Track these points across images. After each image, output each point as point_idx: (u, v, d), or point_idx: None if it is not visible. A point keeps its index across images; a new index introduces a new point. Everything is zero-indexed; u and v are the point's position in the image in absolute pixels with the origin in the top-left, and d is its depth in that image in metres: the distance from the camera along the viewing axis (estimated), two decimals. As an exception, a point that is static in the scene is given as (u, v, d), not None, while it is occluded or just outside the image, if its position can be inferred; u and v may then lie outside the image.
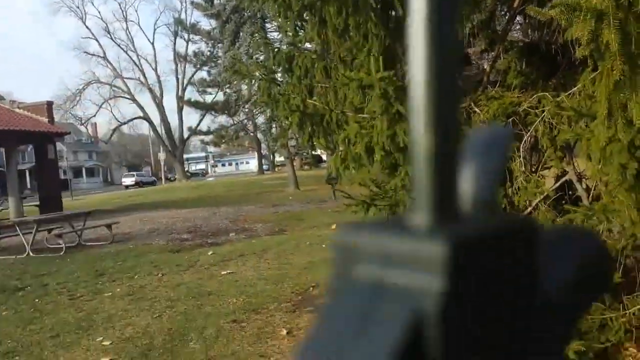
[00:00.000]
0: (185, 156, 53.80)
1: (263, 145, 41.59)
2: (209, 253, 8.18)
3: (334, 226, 9.49)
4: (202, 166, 71.03)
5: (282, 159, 40.92)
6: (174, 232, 11.10)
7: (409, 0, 0.18)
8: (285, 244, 8.39)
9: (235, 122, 36.68)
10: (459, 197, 0.19)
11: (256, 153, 44.80)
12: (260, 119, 33.34)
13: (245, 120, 36.29)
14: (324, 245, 7.86)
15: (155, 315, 5.09)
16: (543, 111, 3.25)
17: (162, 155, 44.98)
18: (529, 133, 3.32)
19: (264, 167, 45.94)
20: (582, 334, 2.78)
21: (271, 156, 47.52)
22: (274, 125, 23.40)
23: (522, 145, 3.39)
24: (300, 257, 7.26)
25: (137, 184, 44.94)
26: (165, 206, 17.79)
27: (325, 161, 38.93)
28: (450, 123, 0.18)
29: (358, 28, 3.65)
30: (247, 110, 33.46)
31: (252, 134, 39.47)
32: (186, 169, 51.39)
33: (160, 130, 44.25)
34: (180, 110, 44.29)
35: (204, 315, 4.92)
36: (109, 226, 10.46)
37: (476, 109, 3.81)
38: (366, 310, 0.18)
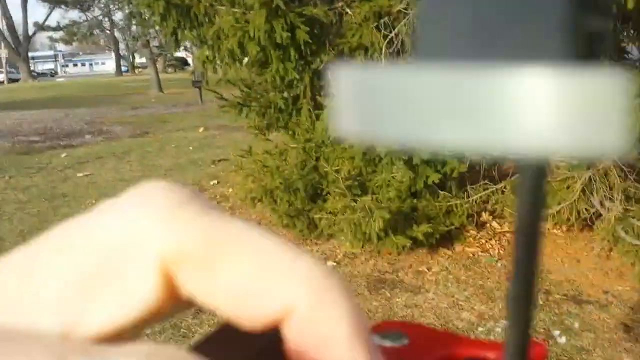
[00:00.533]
0: (30, 54, 48.27)
1: (121, 45, 38.56)
2: (63, 155, 7.60)
3: (201, 129, 9.27)
4: (50, 66, 64.28)
5: (142, 60, 38.32)
6: (20, 134, 10.09)
7: None
8: (148, 147, 8.05)
9: (89, 18, 33.39)
10: None
11: (113, 53, 41.43)
12: (118, 15, 30.63)
13: (101, 17, 33.15)
14: (191, 148, 7.68)
15: (3, 218, 4.71)
16: (409, 13, 3.34)
17: (3, 53, 39.81)
18: (394, 33, 3.41)
19: (123, 68, 42.79)
20: (430, 218, 3.09)
21: (130, 57, 44.21)
22: (133, 23, 21.59)
23: (386, 47, 3.46)
24: (166, 159, 7.04)
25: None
26: (9, 107, 16.00)
27: (190, 65, 37.17)
28: None
29: None
30: (102, 5, 30.45)
31: (108, 31, 36.27)
32: (32, 69, 46.30)
33: (1, 24, 38.89)
34: (24, 2, 39.07)
35: (60, 216, 4.64)
36: (-61, 125, 9.21)
37: (348, 10, 3.81)
38: None
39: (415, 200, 3.07)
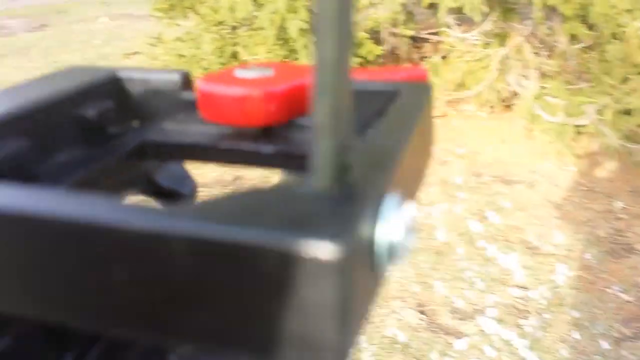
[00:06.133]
0: None
1: None
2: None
3: (105, 19, 8.62)
4: None
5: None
6: None
7: None
8: (50, 40, 7.43)
9: None
10: None
11: None
12: None
13: None
14: (98, 41, 7.17)
15: None
16: None
17: None
18: None
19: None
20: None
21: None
22: None
23: None
24: (72, 54, 6.57)
25: None
26: None
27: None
28: None
29: None
30: None
31: None
32: None
33: None
34: None
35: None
36: None
37: None
38: None
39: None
